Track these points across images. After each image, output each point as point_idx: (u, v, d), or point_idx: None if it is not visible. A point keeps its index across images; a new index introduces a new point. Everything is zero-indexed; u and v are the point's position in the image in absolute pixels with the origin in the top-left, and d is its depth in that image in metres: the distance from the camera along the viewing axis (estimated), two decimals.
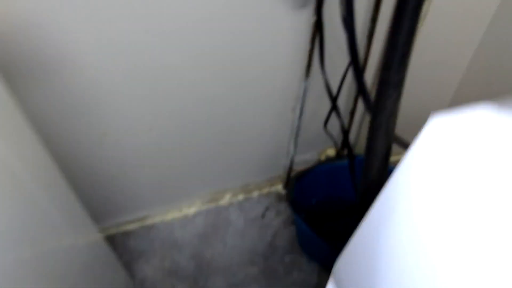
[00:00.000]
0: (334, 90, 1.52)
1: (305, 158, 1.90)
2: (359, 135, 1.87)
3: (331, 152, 1.89)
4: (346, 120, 1.81)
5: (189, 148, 1.60)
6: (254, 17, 1.26)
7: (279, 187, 1.99)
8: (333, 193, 1.84)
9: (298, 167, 1.94)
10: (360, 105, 1.69)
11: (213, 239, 1.85)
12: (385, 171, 0.77)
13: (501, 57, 1.66)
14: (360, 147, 1.88)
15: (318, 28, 1.33)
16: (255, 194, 1.98)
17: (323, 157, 1.91)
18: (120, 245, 1.83)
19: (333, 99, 1.53)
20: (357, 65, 1.23)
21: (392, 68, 0.67)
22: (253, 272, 1.76)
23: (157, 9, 1.11)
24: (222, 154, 1.70)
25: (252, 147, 1.72)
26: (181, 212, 1.91)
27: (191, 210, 1.91)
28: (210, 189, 1.89)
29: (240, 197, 1.96)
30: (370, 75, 1.56)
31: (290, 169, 1.84)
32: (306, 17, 1.32)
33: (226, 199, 1.94)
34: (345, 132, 1.63)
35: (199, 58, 1.30)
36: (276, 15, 1.27)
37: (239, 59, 1.35)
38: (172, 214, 1.90)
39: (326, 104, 1.56)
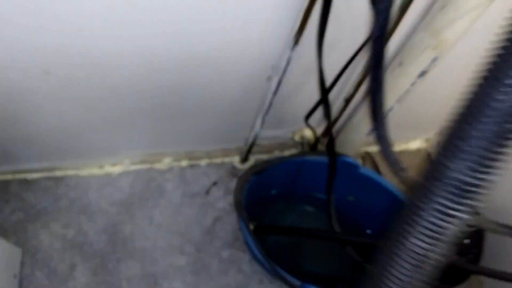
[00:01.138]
0: (329, 79, 1.06)
1: (277, 134, 1.47)
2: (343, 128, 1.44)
3: (308, 133, 1.45)
4: (336, 109, 1.36)
5: (121, 100, 1.14)
6: None
7: (235, 160, 1.57)
8: (297, 188, 1.44)
9: (265, 142, 1.50)
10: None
11: (137, 211, 1.45)
12: None
13: None
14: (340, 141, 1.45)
15: None
16: (203, 162, 1.56)
17: (297, 137, 1.47)
18: (15, 196, 1.41)
19: (325, 91, 1.06)
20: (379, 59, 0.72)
21: None
22: (179, 263, 1.38)
23: None
24: (168, 112, 1.24)
25: (208, 109, 1.27)
26: (102, 169, 1.48)
27: (115, 169, 1.49)
28: (145, 150, 1.45)
29: (183, 163, 1.53)
30: None
31: (252, 144, 1.41)
32: None
33: (164, 163, 1.51)
34: (330, 125, 1.17)
35: None
36: None
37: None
38: (90, 170, 1.47)
39: (312, 86, 1.09)
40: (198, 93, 1.18)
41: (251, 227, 1.10)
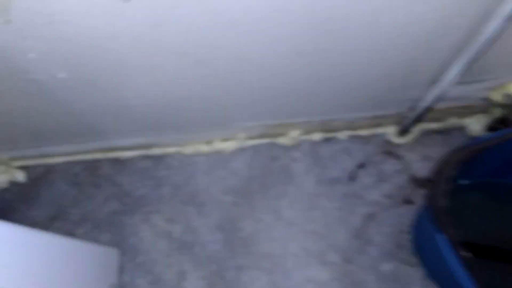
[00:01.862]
0: None
1: (463, 93, 0.97)
2: None
3: None
4: None
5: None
6: None
7: (390, 131, 1.11)
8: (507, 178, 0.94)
9: (442, 106, 1.02)
10: None
11: (258, 202, 1.08)
12: None
13: None
14: None
15: None
16: (343, 135, 1.12)
17: (498, 97, 0.96)
18: (107, 180, 1.12)
19: None
20: None
21: None
22: (320, 278, 1.00)
23: None
24: (302, 73, 0.82)
25: (362, 64, 0.81)
26: (210, 145, 1.12)
27: (227, 145, 1.12)
28: (264, 121, 1.06)
29: (316, 136, 1.12)
30: None
31: (427, 109, 0.93)
32: None
33: (290, 137, 1.11)
34: None
35: None
36: None
37: None
38: (195, 147, 1.13)
39: None
40: (354, 44, 0.74)
41: (465, 253, 0.66)
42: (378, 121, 1.08)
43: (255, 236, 1.05)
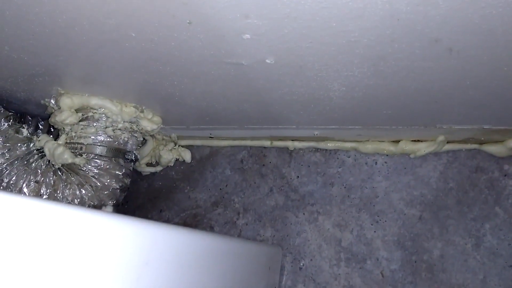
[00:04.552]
0: None
1: None
2: None
3: None
4: None
5: None
6: None
7: None
8: None
9: None
10: None
11: (450, 221, 0.89)
12: None
13: None
14: None
15: None
16: None
17: None
18: (272, 170, 1.04)
19: None
20: None
21: None
22: None
23: None
24: None
25: None
26: (397, 146, 0.95)
27: (419, 147, 0.94)
28: (473, 123, 0.84)
29: None
30: None
31: None
32: None
33: (505, 145, 0.88)
34: None
35: None
36: None
37: None
38: (377, 145, 0.97)
39: None
40: None
41: None
42: None
43: (445, 262, 0.87)
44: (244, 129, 1.05)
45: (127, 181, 0.95)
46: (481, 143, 0.92)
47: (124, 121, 0.93)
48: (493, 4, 0.48)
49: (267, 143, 1.07)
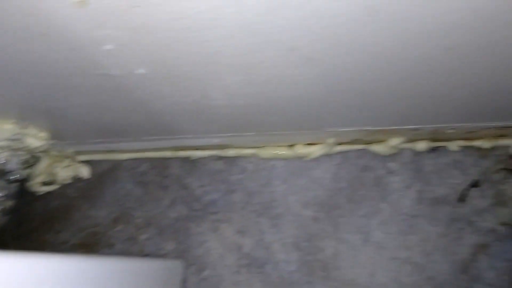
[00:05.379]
0: None
1: None
2: None
3: None
4: None
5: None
6: None
7: None
8: None
9: None
10: None
11: (344, 220, 0.93)
12: None
13: None
14: None
15: None
16: (454, 146, 0.94)
17: None
18: (175, 181, 1.03)
19: None
20: None
21: None
22: None
23: None
24: (420, 70, 0.65)
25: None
26: (292, 150, 0.99)
27: (312, 150, 0.98)
28: (360, 126, 0.90)
29: (420, 145, 0.94)
30: None
31: None
32: None
33: (388, 145, 0.94)
34: None
35: None
36: None
37: None
38: (275, 150, 1.00)
39: None
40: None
41: None
42: (503, 131, 0.89)
43: (338, 259, 0.91)
44: (143, 141, 1.03)
45: (11, 203, 0.89)
46: (368, 143, 0.98)
47: (4, 139, 0.87)
48: (336, 14, 0.52)
49: (169, 154, 1.06)
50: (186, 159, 1.05)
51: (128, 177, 1.06)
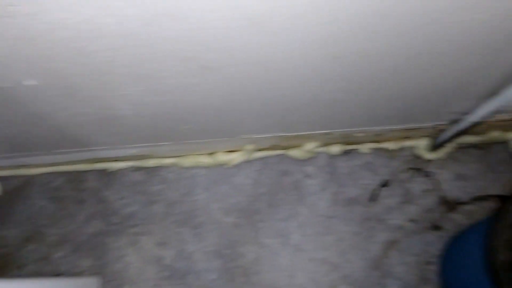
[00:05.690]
0: None
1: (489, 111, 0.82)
2: None
3: None
4: None
5: None
6: None
7: (421, 145, 0.97)
8: None
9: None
10: None
11: (264, 224, 0.95)
12: None
13: None
14: None
15: None
16: (365, 148, 0.99)
17: None
18: (92, 195, 0.99)
19: None
20: None
21: None
22: None
23: None
24: (327, 80, 0.68)
25: (403, 72, 0.68)
26: (212, 158, 0.99)
27: (232, 157, 0.98)
28: (277, 132, 0.92)
29: (334, 149, 0.98)
30: None
31: (474, 124, 0.79)
32: None
33: (304, 149, 0.97)
34: None
35: None
36: None
37: None
38: (195, 159, 0.99)
39: None
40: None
41: None
42: (408, 133, 0.94)
43: (258, 264, 0.92)
44: (55, 154, 0.98)
45: None
46: (285, 148, 1.00)
47: None
48: (223, 26, 0.52)
49: (85, 167, 1.02)
50: (103, 172, 1.01)
51: (41, 192, 1.01)
